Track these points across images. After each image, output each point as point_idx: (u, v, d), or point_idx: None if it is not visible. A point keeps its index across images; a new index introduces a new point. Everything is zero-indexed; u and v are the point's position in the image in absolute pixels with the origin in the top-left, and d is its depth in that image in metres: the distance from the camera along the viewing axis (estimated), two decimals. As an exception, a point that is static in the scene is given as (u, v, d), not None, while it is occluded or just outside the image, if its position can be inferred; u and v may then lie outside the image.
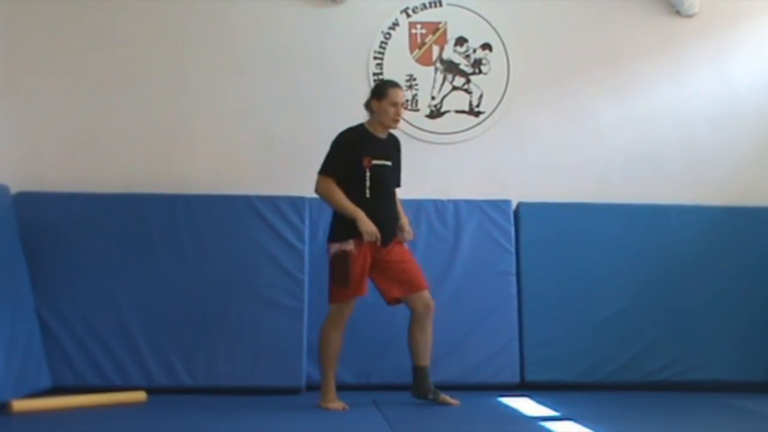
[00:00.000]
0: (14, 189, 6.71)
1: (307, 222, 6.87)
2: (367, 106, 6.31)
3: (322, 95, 7.36)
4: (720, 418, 6.07)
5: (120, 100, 7.28)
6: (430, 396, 6.17)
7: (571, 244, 7.16)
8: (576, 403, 6.30)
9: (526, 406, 6.27)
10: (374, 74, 7.44)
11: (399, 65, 7.47)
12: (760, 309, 7.19)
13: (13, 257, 6.40)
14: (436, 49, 7.57)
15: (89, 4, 7.31)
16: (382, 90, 6.26)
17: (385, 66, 7.46)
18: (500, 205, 7.19)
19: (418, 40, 7.56)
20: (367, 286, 6.14)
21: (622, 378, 7.03)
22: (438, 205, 7.14)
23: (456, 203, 7.14)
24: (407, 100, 7.40)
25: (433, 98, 7.51)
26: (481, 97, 7.54)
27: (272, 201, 6.86)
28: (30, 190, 6.82)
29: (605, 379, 7.01)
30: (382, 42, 7.51)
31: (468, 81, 7.55)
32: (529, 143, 7.54)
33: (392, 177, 6.32)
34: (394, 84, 6.33)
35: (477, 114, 7.52)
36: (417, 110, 7.45)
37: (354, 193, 6.08)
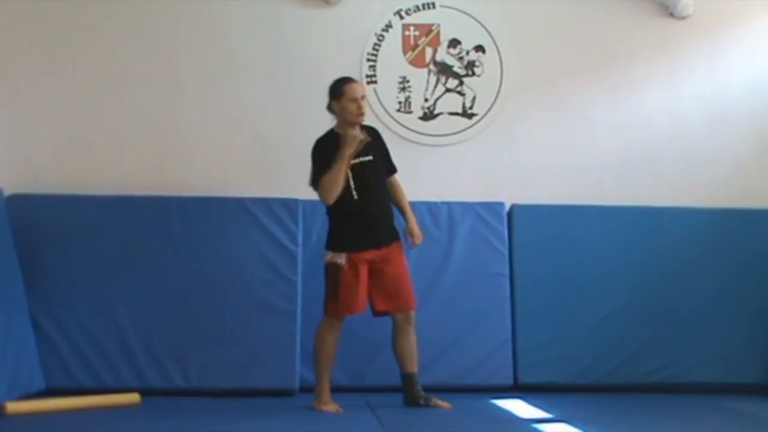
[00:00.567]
0: (8, 191, 6.71)
1: (300, 224, 6.88)
2: (330, 108, 6.27)
3: (315, 97, 7.29)
4: (714, 419, 6.07)
5: (114, 103, 7.27)
6: (422, 402, 6.16)
7: (565, 246, 7.16)
8: (569, 406, 6.30)
9: (519, 408, 6.27)
10: (367, 76, 7.44)
11: (392, 67, 7.47)
12: (754, 311, 7.19)
13: (7, 259, 6.40)
14: (429, 51, 7.57)
15: (83, 6, 7.31)
16: (338, 89, 6.20)
17: (378, 68, 7.47)
18: (494, 207, 7.19)
19: (412, 42, 7.56)
20: (364, 304, 6.16)
21: (615, 380, 7.02)
22: (431, 207, 7.13)
23: (449, 205, 7.14)
24: (400, 103, 7.41)
25: (426, 100, 7.51)
26: (474, 99, 7.55)
27: (266, 203, 6.87)
28: (24, 193, 6.82)
29: (599, 381, 7.01)
30: (375, 44, 7.51)
31: (461, 83, 7.56)
32: (522, 145, 7.55)
33: (378, 169, 6.25)
34: (348, 80, 6.25)
35: (470, 116, 7.52)
36: (410, 112, 7.46)
37: (342, 198, 6.05)
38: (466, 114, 7.52)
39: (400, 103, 7.44)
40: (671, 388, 7.04)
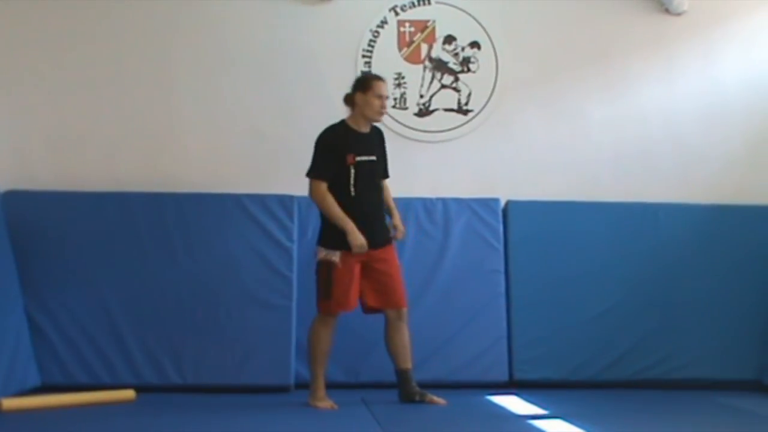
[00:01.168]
0: (2, 187, 6.72)
1: (295, 220, 6.88)
2: (348, 100, 6.25)
3: (310, 93, 7.35)
4: (708, 416, 6.08)
5: (109, 98, 7.26)
6: (417, 398, 6.16)
7: (560, 243, 7.16)
8: (564, 402, 6.31)
9: (514, 404, 6.28)
10: (362, 72, 7.43)
11: (387, 63, 7.46)
12: (748, 307, 7.20)
13: (2, 256, 6.40)
14: (424, 48, 7.56)
15: (78, 4, 7.29)
16: (366, 82, 6.22)
17: (373, 64, 7.45)
18: (489, 204, 7.19)
19: (407, 38, 7.56)
20: (356, 301, 6.16)
21: (610, 376, 7.03)
22: (426, 204, 7.13)
23: (444, 201, 7.14)
24: (395, 99, 7.41)
25: (421, 96, 7.50)
26: (469, 95, 7.54)
27: (261, 199, 6.87)
28: (18, 189, 6.83)
29: (594, 377, 7.01)
30: (370, 40, 7.50)
31: (456, 79, 7.55)
32: (517, 141, 7.54)
33: (378, 171, 6.28)
34: (377, 77, 6.29)
35: (465, 112, 7.52)
36: (405, 108, 7.45)
37: (339, 192, 6.06)
38: (461, 110, 7.52)
39: (395, 99, 7.43)
40: (666, 384, 7.05)
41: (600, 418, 5.73)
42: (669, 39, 7.72)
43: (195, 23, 7.40)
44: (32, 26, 7.24)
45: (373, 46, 7.49)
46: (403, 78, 7.47)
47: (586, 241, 7.18)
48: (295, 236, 6.86)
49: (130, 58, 7.32)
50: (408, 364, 6.21)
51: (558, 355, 7.01)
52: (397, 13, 7.54)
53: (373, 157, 6.19)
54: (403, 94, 7.44)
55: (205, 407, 6.07)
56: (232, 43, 7.41)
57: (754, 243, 7.29)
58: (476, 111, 7.52)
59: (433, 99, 7.51)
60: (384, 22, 7.52)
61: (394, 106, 7.39)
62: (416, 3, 7.54)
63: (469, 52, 7.56)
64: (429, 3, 7.56)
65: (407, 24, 7.54)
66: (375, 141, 6.28)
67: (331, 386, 6.39)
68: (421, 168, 7.32)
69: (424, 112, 7.48)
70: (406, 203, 6.96)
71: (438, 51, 7.56)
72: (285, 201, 6.87)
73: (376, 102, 6.14)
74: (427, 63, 7.55)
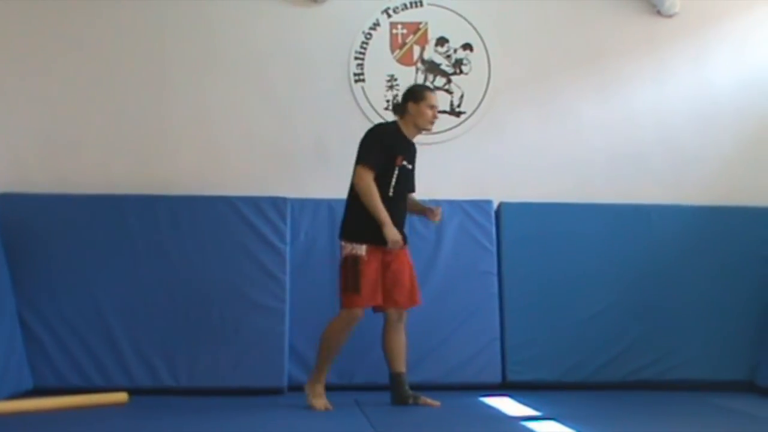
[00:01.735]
0: (-5, 190, 6.71)
1: (288, 222, 6.88)
2: (399, 109, 6.31)
3: (303, 95, 7.36)
4: (701, 416, 6.08)
5: (102, 101, 7.26)
6: (410, 401, 6.16)
7: (553, 244, 7.17)
8: (558, 403, 6.31)
9: (507, 406, 6.27)
10: (355, 74, 7.44)
11: (380, 65, 7.47)
12: (741, 308, 7.21)
13: (-6, 258, 6.40)
14: (417, 50, 7.57)
15: (70, 4, 7.29)
16: (419, 93, 6.28)
17: (366, 66, 7.46)
18: (482, 205, 7.20)
19: (399, 40, 7.57)
20: (381, 296, 6.13)
21: (604, 377, 7.04)
22: (419, 206, 7.14)
23: (437, 203, 7.12)
24: (387, 101, 7.42)
25: (414, 98, 7.51)
26: (462, 97, 7.55)
27: (254, 202, 6.86)
28: (11, 192, 6.83)
29: (587, 378, 7.02)
30: (363, 42, 7.51)
31: (449, 81, 7.56)
32: (510, 143, 7.55)
33: (412, 179, 6.35)
34: (429, 87, 6.51)
35: (458, 114, 7.53)
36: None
37: (378, 190, 6.06)
38: (453, 112, 7.53)
39: (387, 101, 7.44)
40: (659, 385, 7.06)
41: (593, 420, 5.73)
42: (661, 41, 7.74)
43: (188, 26, 7.40)
44: (26, 30, 7.24)
45: (365, 48, 7.50)
46: (395, 80, 7.47)
47: (579, 242, 7.18)
48: (288, 238, 6.85)
49: (123, 61, 7.32)
50: (402, 367, 6.20)
51: (551, 357, 7.01)
52: (389, 15, 7.54)
53: (411, 166, 6.28)
54: (395, 96, 7.43)
55: (198, 410, 6.07)
56: (225, 45, 7.42)
57: (746, 244, 7.30)
58: (469, 113, 7.53)
59: (426, 101, 7.51)
60: (376, 24, 7.53)
61: (386, 108, 7.39)
62: (408, 5, 7.55)
63: (461, 53, 7.57)
64: (421, 5, 7.56)
65: (399, 26, 7.55)
66: (414, 153, 6.35)
67: (324, 388, 6.40)
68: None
69: (416, 114, 7.49)
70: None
71: (430, 53, 7.57)
72: (278, 203, 6.87)
73: (429, 112, 6.23)
74: (419, 65, 7.56)
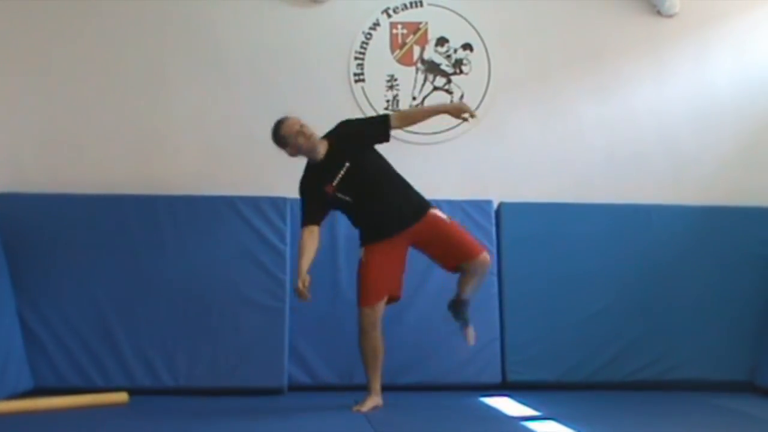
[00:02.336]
0: (-6, 190, 6.71)
1: (288, 222, 6.87)
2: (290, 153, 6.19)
3: (303, 95, 7.35)
4: (701, 417, 6.08)
5: (101, 101, 7.27)
6: (459, 320, 6.26)
7: (553, 244, 7.17)
8: (557, 403, 6.30)
9: (507, 406, 6.27)
10: (355, 74, 7.44)
11: (380, 65, 7.48)
12: (740, 308, 7.21)
13: (-6, 259, 6.40)
14: (417, 50, 7.58)
15: (69, 4, 7.30)
16: (281, 140, 6.10)
17: (366, 66, 7.47)
18: (482, 205, 7.19)
19: (399, 40, 7.57)
20: (389, 288, 6.10)
21: (603, 377, 7.03)
22: (420, 206, 7.13)
23: (437, 203, 7.11)
24: (388, 101, 7.42)
25: (414, 98, 7.51)
26: (462, 97, 7.55)
27: (254, 201, 6.87)
28: (10, 191, 6.83)
29: (587, 378, 7.02)
30: (363, 42, 7.51)
31: (449, 81, 7.56)
32: (510, 143, 7.55)
33: (364, 165, 6.07)
34: (280, 124, 6.11)
35: (458, 114, 7.53)
36: (398, 110, 7.45)
37: (353, 216, 6.10)
38: (454, 112, 7.53)
39: (387, 101, 7.45)
40: (659, 385, 7.06)
41: (593, 420, 5.73)
42: (661, 41, 7.74)
43: (187, 26, 7.40)
44: (25, 29, 7.24)
45: (365, 48, 7.50)
46: (395, 80, 7.48)
47: (578, 242, 7.18)
48: (288, 238, 6.84)
49: (123, 61, 7.33)
50: (467, 296, 6.26)
51: (551, 357, 7.01)
52: (389, 15, 7.55)
53: (345, 164, 6.01)
54: (395, 96, 7.44)
55: (198, 410, 6.07)
56: (225, 44, 7.42)
57: (746, 244, 7.30)
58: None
59: (426, 101, 7.52)
60: (376, 24, 7.53)
61: (386, 108, 7.40)
62: (408, 5, 7.55)
63: (461, 53, 7.58)
64: (421, 5, 7.57)
65: (400, 26, 7.55)
66: (337, 150, 6.08)
67: (323, 388, 6.41)
68: (413, 170, 7.24)
69: (416, 114, 7.49)
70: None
71: (430, 53, 7.57)
72: (278, 203, 6.87)
73: (298, 145, 6.05)
74: (419, 65, 7.56)
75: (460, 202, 7.16)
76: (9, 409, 5.74)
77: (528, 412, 6.02)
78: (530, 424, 5.52)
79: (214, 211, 6.86)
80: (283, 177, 6.61)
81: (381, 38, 7.54)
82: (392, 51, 7.55)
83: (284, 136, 6.06)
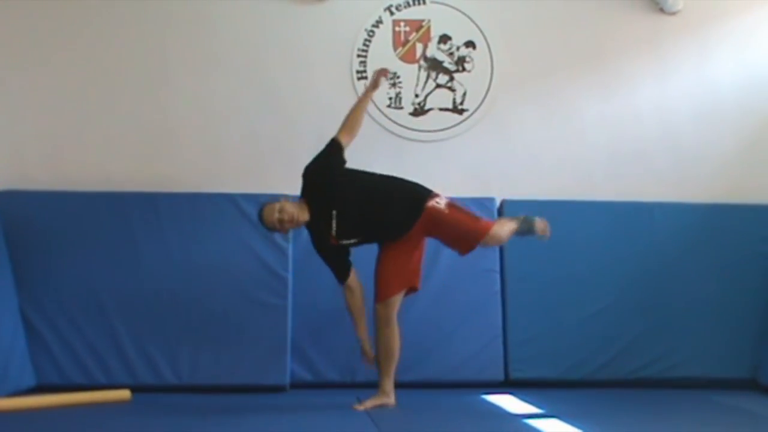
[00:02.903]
0: (-3, 188, 6.72)
1: (291, 219, 6.87)
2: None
3: (305, 93, 7.35)
4: (704, 414, 6.09)
5: (103, 98, 7.26)
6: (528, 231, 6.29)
7: (555, 242, 7.11)
8: (560, 401, 6.31)
9: (510, 403, 6.28)
10: (357, 72, 7.43)
11: (383, 63, 7.42)
12: (743, 306, 7.21)
13: (-3, 256, 6.41)
14: (419, 47, 7.57)
15: (72, 3, 7.29)
16: (268, 228, 6.11)
17: (368, 64, 7.46)
18: (484, 203, 7.18)
19: (402, 37, 7.56)
20: (416, 277, 6.12)
21: (606, 375, 7.04)
22: (422, 203, 7.13)
23: (441, 201, 7.15)
24: (390, 98, 7.42)
25: (416, 96, 7.51)
26: (464, 94, 7.55)
27: (256, 199, 6.82)
28: (13, 188, 6.83)
29: (589, 376, 7.02)
30: (365, 40, 7.50)
31: (452, 78, 7.56)
32: (512, 140, 7.55)
33: (350, 203, 5.98)
34: (260, 218, 6.08)
35: (461, 111, 7.52)
36: (401, 108, 7.45)
37: (370, 242, 6.10)
38: (456, 110, 7.52)
39: (390, 99, 7.44)
40: (662, 383, 7.06)
41: (595, 417, 5.73)
42: (663, 38, 7.73)
43: (190, 23, 7.39)
44: (26, 27, 7.23)
45: (368, 46, 7.49)
46: (398, 77, 7.47)
47: (581, 240, 7.18)
48: (291, 235, 6.84)
49: (125, 58, 7.32)
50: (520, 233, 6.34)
51: (553, 354, 7.01)
52: (392, 13, 7.54)
53: (333, 211, 5.96)
54: (398, 94, 7.44)
55: (200, 407, 6.07)
56: (227, 42, 7.42)
57: (749, 242, 7.30)
58: (471, 110, 7.53)
59: (429, 98, 7.51)
60: (379, 22, 7.52)
61: (389, 106, 7.40)
62: (411, 2, 7.54)
63: (464, 51, 7.57)
64: (424, 2, 7.56)
65: (402, 23, 7.55)
66: (317, 200, 6.03)
67: (326, 386, 6.41)
68: (415, 167, 7.28)
69: (419, 111, 7.49)
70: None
71: (433, 50, 7.56)
72: (280, 200, 6.86)
73: (284, 229, 6.08)
74: (422, 62, 7.55)
75: (463, 200, 7.10)
76: (11, 406, 5.75)
77: (530, 409, 6.03)
78: (532, 422, 5.52)
79: (216, 208, 6.87)
80: (285, 174, 6.61)
81: (384, 36, 7.54)
82: (395, 48, 7.55)
83: (269, 227, 6.09)
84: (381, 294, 6.03)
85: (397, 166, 6.60)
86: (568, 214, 7.21)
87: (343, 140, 6.12)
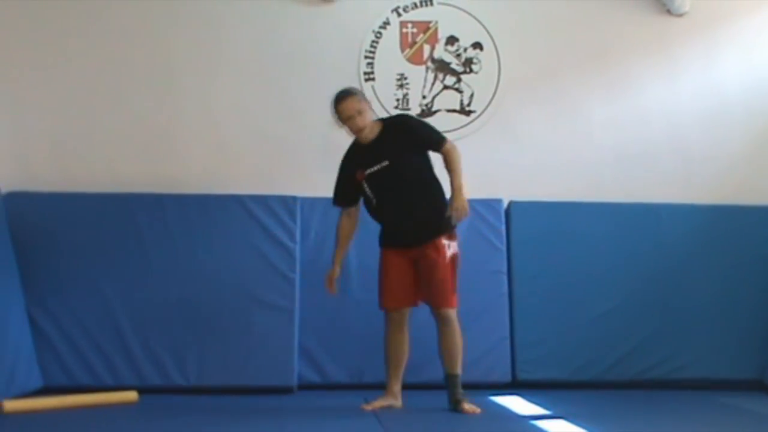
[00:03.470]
0: (4, 189, 6.71)
1: (298, 221, 6.88)
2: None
3: (313, 94, 7.35)
4: (711, 415, 6.08)
5: (110, 100, 7.27)
6: (450, 406, 6.00)
7: (563, 243, 7.16)
8: (567, 402, 6.30)
9: (517, 404, 6.28)
10: (365, 73, 7.44)
11: (390, 64, 7.48)
12: (750, 307, 7.21)
13: (4, 257, 6.40)
14: (427, 48, 7.57)
15: (78, 4, 7.30)
16: (335, 114, 6.09)
17: (376, 65, 7.47)
18: (491, 204, 7.18)
19: (409, 39, 7.57)
20: (401, 298, 6.05)
21: (613, 376, 7.03)
22: (429, 204, 7.13)
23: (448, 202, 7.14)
24: (398, 100, 7.41)
25: (424, 97, 7.51)
26: (472, 96, 7.55)
27: (264, 200, 6.86)
28: (20, 190, 6.82)
29: (596, 377, 7.02)
30: (373, 41, 7.51)
31: (459, 80, 7.56)
32: (520, 142, 7.55)
33: (400, 171, 5.95)
34: (336, 99, 6.04)
35: (468, 113, 7.52)
36: (408, 109, 7.45)
37: (369, 209, 6.06)
38: (463, 111, 7.52)
39: (398, 100, 7.45)
40: (669, 384, 7.06)
41: (603, 419, 5.73)
42: (671, 40, 7.74)
43: (197, 25, 7.41)
44: (33, 27, 7.25)
45: (375, 47, 7.50)
46: (405, 79, 7.47)
47: (588, 241, 7.18)
48: (298, 237, 6.85)
49: (132, 59, 7.33)
50: (450, 369, 6.05)
51: (561, 356, 7.01)
52: (399, 14, 7.55)
53: (385, 163, 5.94)
54: (405, 95, 7.45)
55: (208, 409, 6.06)
56: (235, 43, 7.42)
57: (756, 243, 7.30)
58: (479, 112, 7.53)
59: (436, 100, 7.52)
60: (386, 23, 7.53)
61: (396, 107, 7.40)
62: (419, 4, 7.55)
63: (471, 52, 7.57)
64: (431, 4, 7.56)
65: (410, 25, 7.55)
66: (389, 141, 6.00)
67: (334, 387, 6.41)
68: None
69: (426, 112, 7.49)
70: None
71: (440, 52, 7.57)
72: (287, 202, 6.87)
73: (347, 125, 6.00)
74: (429, 64, 7.56)
75: (470, 201, 7.09)
76: (19, 407, 5.74)
77: (538, 410, 6.02)
78: (540, 423, 5.52)
79: (223, 209, 6.87)
80: (293, 176, 6.65)
81: (391, 37, 7.54)
82: (402, 50, 7.55)
83: (337, 114, 6.05)
84: (384, 301, 6.04)
85: (438, 180, 6.61)
86: (575, 215, 7.23)
87: (447, 144, 6.09)
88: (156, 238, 6.83)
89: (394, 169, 5.96)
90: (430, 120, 7.35)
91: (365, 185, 5.98)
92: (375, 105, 7.36)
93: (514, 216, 7.20)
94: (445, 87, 7.53)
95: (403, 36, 7.55)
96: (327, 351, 6.86)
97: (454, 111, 7.49)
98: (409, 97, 7.46)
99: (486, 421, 5.76)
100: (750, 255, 7.28)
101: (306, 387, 6.70)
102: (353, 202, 6.10)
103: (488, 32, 7.57)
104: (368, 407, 5.94)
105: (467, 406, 5.91)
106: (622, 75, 7.70)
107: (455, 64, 7.57)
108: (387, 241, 6.08)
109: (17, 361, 6.21)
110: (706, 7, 7.73)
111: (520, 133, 7.56)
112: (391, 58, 7.50)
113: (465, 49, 7.57)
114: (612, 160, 7.58)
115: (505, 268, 7.11)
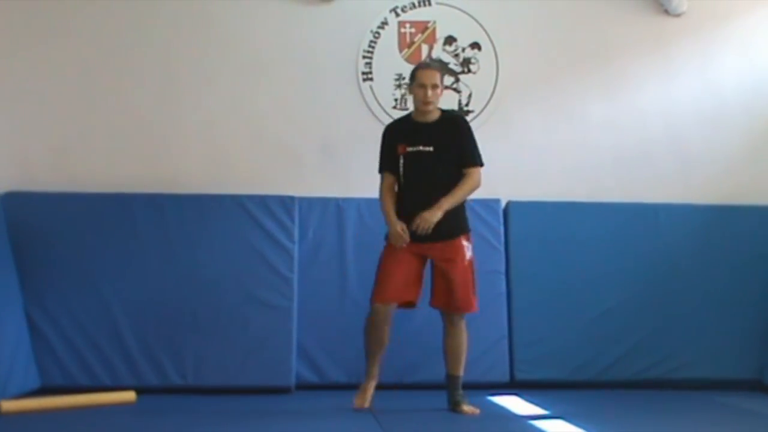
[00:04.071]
0: (2, 189, 6.73)
1: (296, 221, 6.88)
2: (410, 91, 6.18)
3: (311, 94, 7.35)
4: (709, 415, 6.09)
5: (109, 100, 7.26)
6: (450, 407, 6.03)
7: (561, 243, 7.16)
8: (565, 402, 6.31)
9: (515, 404, 6.28)
10: (363, 73, 7.44)
11: (388, 64, 7.47)
12: (749, 307, 7.21)
13: (2, 257, 6.40)
14: (425, 48, 7.57)
15: (77, 4, 7.29)
16: (412, 74, 6.08)
17: (374, 65, 7.46)
18: (490, 204, 7.18)
19: (407, 39, 7.56)
20: (401, 295, 6.00)
21: (611, 376, 7.03)
22: (428, 204, 7.12)
23: (445, 201, 7.14)
24: (396, 100, 7.41)
25: (422, 97, 7.51)
26: (470, 96, 7.55)
27: (262, 200, 6.86)
28: (18, 190, 6.82)
29: (595, 377, 7.02)
30: (371, 41, 7.50)
31: (457, 80, 7.56)
32: (518, 142, 7.54)
33: (438, 162, 5.94)
34: (422, 65, 6.19)
35: (466, 113, 7.51)
36: (406, 109, 7.41)
37: (398, 183, 6.02)
38: (462, 111, 7.51)
39: (396, 100, 7.44)
40: (667, 384, 7.06)
41: (601, 419, 5.74)
42: (668, 40, 7.73)
43: (195, 24, 7.40)
44: (32, 28, 7.23)
45: (373, 47, 7.49)
46: (403, 79, 7.45)
47: (586, 241, 7.18)
48: (296, 236, 6.85)
49: (131, 60, 7.32)
50: (453, 370, 6.07)
51: (559, 356, 7.01)
52: (397, 14, 7.54)
53: (429, 148, 5.94)
54: (403, 95, 7.43)
55: (205, 409, 6.07)
56: (232, 44, 7.42)
57: (754, 243, 7.30)
58: (477, 112, 7.53)
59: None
60: (384, 23, 7.52)
61: (394, 107, 7.40)
62: (417, 4, 7.54)
63: (469, 53, 7.57)
64: (429, 4, 7.56)
65: (408, 25, 7.55)
66: (440, 132, 6.01)
67: (331, 387, 6.40)
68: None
69: (424, 113, 7.48)
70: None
71: (438, 52, 7.56)
72: (286, 201, 6.87)
73: (419, 92, 5.95)
74: (427, 64, 7.56)
75: (468, 201, 7.13)
76: (16, 408, 5.74)
77: (536, 410, 6.04)
78: (538, 423, 5.53)
79: (222, 209, 6.87)
80: (290, 176, 6.63)
81: (389, 37, 7.54)
82: (400, 50, 7.55)
83: (418, 78, 6.00)
84: (380, 295, 5.94)
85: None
86: (573, 215, 7.24)
87: (478, 169, 6.10)
88: (154, 238, 6.82)
89: (435, 157, 5.96)
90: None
91: (401, 161, 5.97)
92: (373, 105, 7.39)
93: (512, 216, 7.20)
94: (445, 87, 7.51)
95: (401, 36, 7.55)
96: (325, 351, 6.86)
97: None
98: (407, 97, 7.45)
99: (484, 421, 5.77)
100: (749, 255, 7.28)
101: (304, 387, 6.70)
102: (396, 168, 6.04)
103: (486, 32, 7.57)
104: (360, 405, 5.93)
105: (466, 408, 5.94)
106: (620, 75, 7.70)
107: (453, 64, 7.56)
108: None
109: (15, 361, 6.21)
110: (704, 7, 7.73)
111: (517, 133, 7.56)
112: (389, 58, 7.50)
113: (463, 49, 7.57)
114: (610, 160, 7.58)
115: (503, 268, 7.11)
